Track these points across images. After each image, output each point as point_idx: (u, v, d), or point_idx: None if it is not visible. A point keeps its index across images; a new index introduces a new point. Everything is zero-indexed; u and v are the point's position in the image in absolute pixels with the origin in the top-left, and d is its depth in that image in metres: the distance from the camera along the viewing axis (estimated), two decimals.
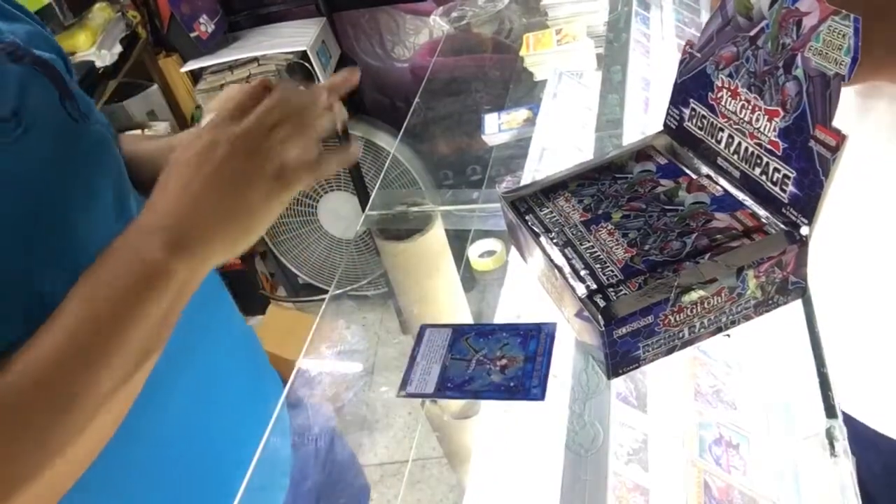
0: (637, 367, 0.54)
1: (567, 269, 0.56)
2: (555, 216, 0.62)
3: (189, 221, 0.46)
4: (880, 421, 0.79)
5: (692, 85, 0.62)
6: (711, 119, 0.60)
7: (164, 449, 0.63)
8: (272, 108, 0.50)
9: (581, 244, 0.58)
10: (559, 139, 1.03)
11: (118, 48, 1.86)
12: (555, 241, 0.59)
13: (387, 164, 1.87)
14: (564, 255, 0.57)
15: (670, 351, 0.54)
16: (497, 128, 1.21)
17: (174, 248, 0.46)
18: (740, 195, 0.57)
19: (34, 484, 0.42)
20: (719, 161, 0.60)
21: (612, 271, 0.54)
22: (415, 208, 0.98)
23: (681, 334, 0.53)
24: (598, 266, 0.55)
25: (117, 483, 0.58)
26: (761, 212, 0.55)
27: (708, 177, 0.61)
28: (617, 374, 0.54)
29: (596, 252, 0.56)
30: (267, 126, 0.49)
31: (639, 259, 0.54)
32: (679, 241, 0.55)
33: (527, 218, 0.63)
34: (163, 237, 0.46)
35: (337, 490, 0.98)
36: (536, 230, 0.61)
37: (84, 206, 0.53)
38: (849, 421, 0.62)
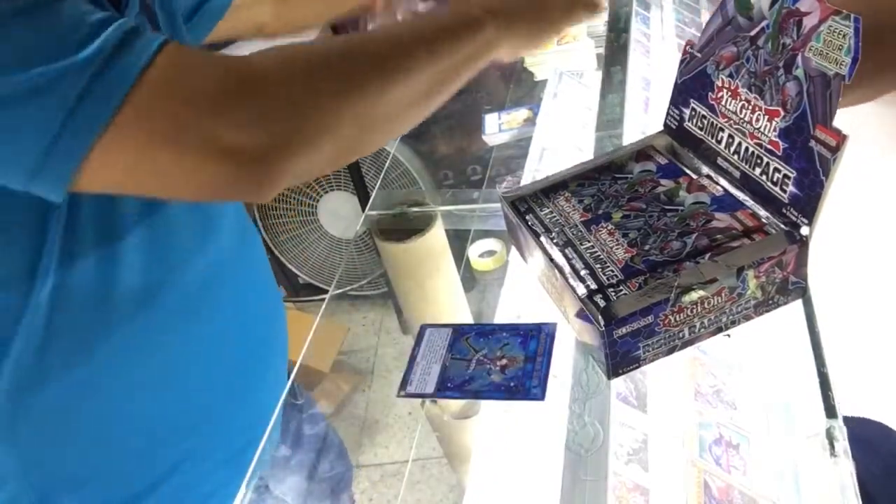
0: (637, 367, 0.54)
1: (567, 269, 0.56)
2: (555, 216, 0.62)
3: (502, 1, 0.61)
4: (880, 406, 0.79)
5: (692, 85, 0.62)
6: (712, 119, 0.60)
7: (214, 344, 0.73)
8: None
9: (581, 244, 0.57)
10: (559, 139, 1.03)
11: None
12: (555, 241, 0.59)
13: (387, 164, 1.87)
14: (564, 255, 0.57)
15: (670, 351, 0.54)
16: (497, 128, 1.21)
17: (489, 10, 0.59)
18: (740, 195, 0.57)
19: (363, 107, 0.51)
20: (719, 161, 0.60)
21: (613, 271, 0.54)
22: (415, 208, 0.98)
23: (681, 334, 0.53)
24: (598, 266, 0.55)
25: (177, 368, 0.69)
26: (761, 212, 0.55)
27: (708, 177, 0.61)
28: (617, 374, 0.54)
29: (596, 252, 0.56)
30: None
31: (639, 259, 0.54)
32: (679, 241, 0.55)
33: (527, 218, 0.63)
34: (481, 3, 0.60)
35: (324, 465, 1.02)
36: (536, 230, 0.61)
37: None
38: (846, 423, 0.62)
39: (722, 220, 0.56)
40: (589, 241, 0.58)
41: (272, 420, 0.74)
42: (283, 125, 0.46)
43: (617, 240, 0.57)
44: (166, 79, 0.44)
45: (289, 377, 0.83)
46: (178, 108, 0.44)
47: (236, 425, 0.77)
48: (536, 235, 0.60)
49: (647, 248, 0.55)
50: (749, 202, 0.56)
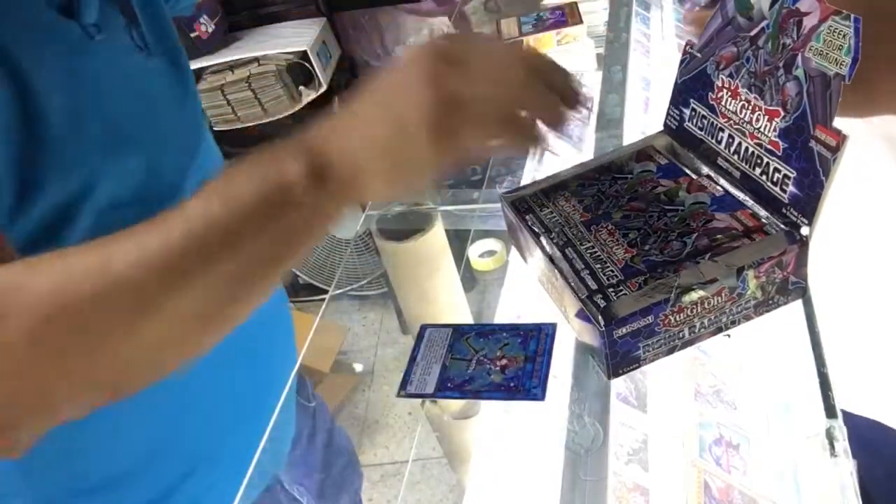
0: (637, 367, 0.54)
1: (567, 269, 0.56)
2: (555, 216, 0.62)
3: (343, 154, 0.42)
4: (883, 413, 0.79)
5: (692, 85, 0.62)
6: (712, 119, 0.60)
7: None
8: (517, 62, 0.45)
9: (581, 244, 0.57)
10: (559, 139, 1.03)
11: None
12: (555, 241, 0.59)
13: None
14: (564, 255, 0.57)
15: (671, 351, 0.54)
16: None
17: (316, 175, 0.41)
18: (740, 195, 0.57)
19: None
20: (719, 161, 0.60)
21: (613, 271, 0.54)
22: (415, 208, 0.98)
23: (681, 334, 0.53)
24: (598, 266, 0.55)
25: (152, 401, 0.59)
26: (761, 212, 0.55)
27: (708, 177, 0.61)
28: (617, 374, 0.54)
29: (596, 252, 0.56)
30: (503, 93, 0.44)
31: (639, 259, 0.54)
32: (679, 241, 0.55)
33: (527, 218, 0.63)
34: (309, 159, 0.42)
35: (335, 470, 1.02)
36: (536, 230, 0.61)
37: (143, 114, 0.61)
38: (851, 422, 0.62)
39: (722, 220, 0.56)
40: (589, 242, 0.58)
41: (272, 418, 0.74)
42: (7, 402, 0.39)
43: (617, 240, 0.57)
44: None
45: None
46: None
47: (247, 429, 0.76)
48: (536, 235, 0.60)
49: (647, 248, 0.55)
50: (749, 202, 0.56)
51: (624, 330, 0.51)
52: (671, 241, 0.55)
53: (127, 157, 0.59)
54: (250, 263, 0.41)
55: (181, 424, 0.70)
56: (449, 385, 0.62)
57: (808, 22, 0.48)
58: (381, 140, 0.43)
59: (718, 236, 0.54)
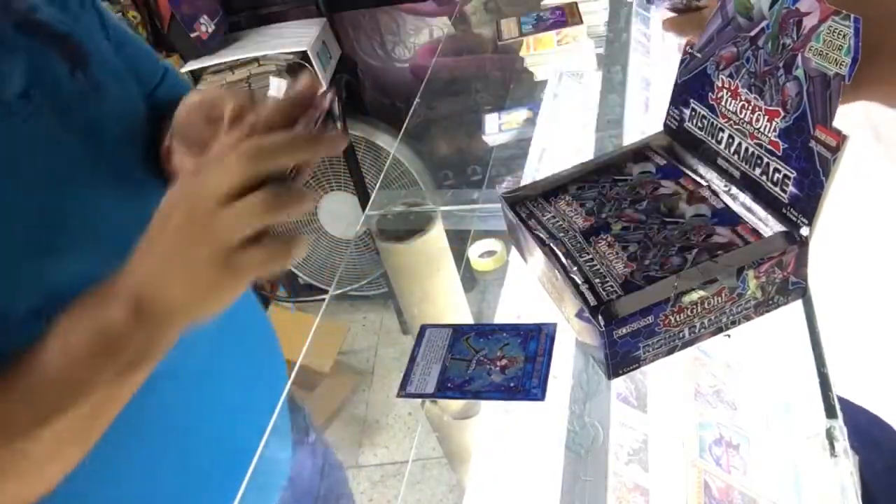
0: (637, 368, 0.54)
1: (566, 274, 0.55)
2: (557, 220, 0.62)
3: (150, 286, 0.45)
4: (883, 410, 0.79)
5: (692, 85, 0.62)
6: (712, 119, 0.60)
7: (160, 439, 0.63)
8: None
9: (581, 256, 0.57)
10: (559, 139, 1.03)
11: None
12: (555, 250, 0.59)
13: (387, 164, 1.87)
14: (563, 268, 0.57)
15: (671, 351, 0.54)
16: (497, 128, 1.21)
17: (136, 312, 0.44)
18: (740, 197, 0.57)
19: None
20: (719, 161, 0.60)
21: (612, 286, 0.53)
22: (415, 208, 0.98)
23: (681, 334, 0.53)
24: (597, 280, 0.54)
25: (111, 475, 0.59)
26: (760, 224, 0.55)
27: (708, 188, 0.61)
28: (617, 375, 0.54)
29: (595, 266, 0.56)
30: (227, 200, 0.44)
31: (639, 274, 0.54)
32: (679, 256, 0.55)
33: (529, 223, 0.62)
34: (126, 297, 0.45)
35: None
36: (541, 235, 0.61)
37: (97, 183, 0.55)
38: (851, 416, 0.62)
39: (723, 234, 0.55)
40: (588, 254, 0.57)
41: (271, 422, 0.73)
42: None
43: (616, 253, 0.56)
44: None
45: (289, 379, 0.81)
46: None
47: (231, 470, 0.68)
48: (538, 239, 0.60)
49: (647, 262, 0.55)
50: (747, 214, 0.56)
51: (624, 330, 0.51)
52: (671, 257, 0.55)
53: (63, 258, 0.52)
54: (99, 401, 0.46)
55: (158, 471, 0.65)
56: (449, 385, 0.62)
57: (808, 22, 0.48)
58: (182, 279, 0.45)
59: (720, 252, 0.54)
